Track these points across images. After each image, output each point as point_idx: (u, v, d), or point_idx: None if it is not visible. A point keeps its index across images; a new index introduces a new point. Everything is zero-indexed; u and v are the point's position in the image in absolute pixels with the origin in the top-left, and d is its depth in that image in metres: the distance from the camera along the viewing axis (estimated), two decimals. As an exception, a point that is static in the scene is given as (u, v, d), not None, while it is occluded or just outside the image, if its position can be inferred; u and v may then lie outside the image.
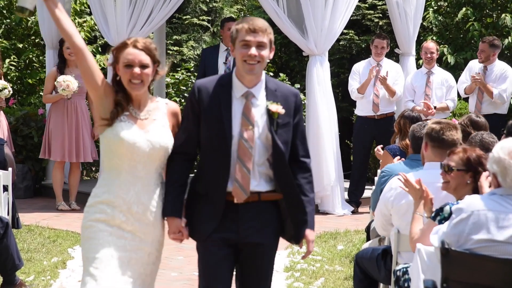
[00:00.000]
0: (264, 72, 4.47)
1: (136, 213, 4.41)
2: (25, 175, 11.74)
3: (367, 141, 10.89)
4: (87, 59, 4.41)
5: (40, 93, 12.73)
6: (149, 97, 4.52)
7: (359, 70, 11.04)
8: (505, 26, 13.54)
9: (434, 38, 13.61)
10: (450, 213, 4.59)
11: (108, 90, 4.45)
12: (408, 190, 5.12)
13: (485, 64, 10.63)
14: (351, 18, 11.69)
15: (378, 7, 15.00)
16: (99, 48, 15.15)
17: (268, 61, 4.52)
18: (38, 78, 14.05)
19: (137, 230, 4.41)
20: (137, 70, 4.39)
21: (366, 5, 15.08)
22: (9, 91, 10.36)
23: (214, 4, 17.61)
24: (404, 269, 5.17)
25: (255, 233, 4.42)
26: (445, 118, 8.48)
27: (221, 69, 11.04)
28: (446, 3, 14.56)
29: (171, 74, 15.26)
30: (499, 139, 6.26)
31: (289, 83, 14.27)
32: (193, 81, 14.60)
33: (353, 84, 10.99)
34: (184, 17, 17.06)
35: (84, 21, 14.37)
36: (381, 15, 14.92)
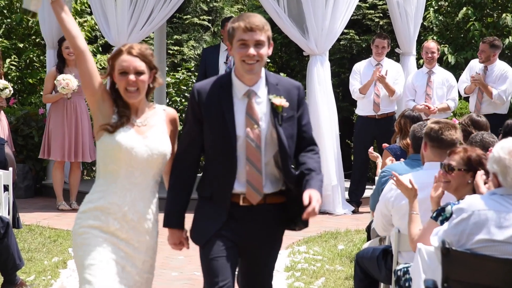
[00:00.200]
0: (263, 68, 4.39)
1: (131, 221, 4.33)
2: (26, 174, 11.75)
3: (367, 141, 10.89)
4: (87, 62, 4.35)
5: (41, 93, 12.72)
6: (146, 104, 4.44)
7: (360, 70, 11.05)
8: (506, 26, 13.54)
9: (435, 37, 13.61)
10: (452, 213, 4.59)
11: (106, 95, 4.38)
12: (401, 190, 5.14)
13: (485, 64, 10.63)
14: (352, 17, 11.69)
15: (379, 6, 15.00)
16: (100, 48, 15.16)
17: (268, 58, 4.43)
18: (38, 77, 14.05)
19: (131, 238, 4.34)
20: (132, 77, 4.31)
21: (367, 5, 15.08)
22: (9, 90, 10.36)
23: (215, 3, 17.61)
24: (405, 269, 5.17)
25: (259, 235, 4.39)
26: (446, 118, 8.49)
27: (222, 69, 11.04)
28: (446, 3, 14.56)
29: (171, 74, 15.27)
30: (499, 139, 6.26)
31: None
32: (194, 81, 14.60)
33: (354, 83, 11.00)
34: (185, 16, 17.07)
35: (85, 21, 14.37)
36: (381, 14, 14.92)
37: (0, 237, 6.87)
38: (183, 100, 14.56)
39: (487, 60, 10.59)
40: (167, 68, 14.93)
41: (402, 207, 5.37)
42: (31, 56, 14.09)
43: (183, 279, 7.47)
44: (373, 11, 15.07)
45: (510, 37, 13.39)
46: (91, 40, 14.88)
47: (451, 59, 13.53)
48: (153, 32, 12.82)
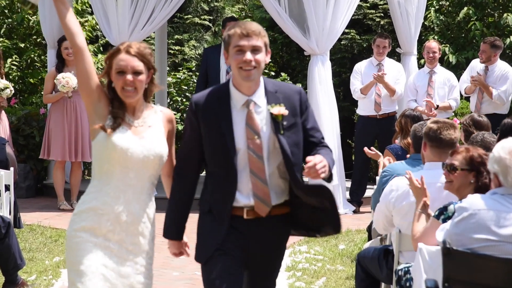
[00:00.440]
0: (262, 77, 4.27)
1: (125, 223, 4.25)
2: (27, 174, 11.76)
3: (369, 141, 10.88)
4: (85, 61, 4.28)
5: (42, 93, 12.72)
6: (144, 104, 4.36)
7: (361, 70, 11.05)
8: (507, 26, 13.54)
9: (436, 37, 13.61)
10: (454, 212, 4.59)
11: (102, 95, 4.29)
12: (411, 188, 5.13)
13: (486, 64, 10.62)
14: (353, 17, 11.69)
15: (380, 6, 15.00)
16: (101, 48, 15.16)
17: (266, 64, 4.28)
18: (39, 77, 14.06)
19: (124, 240, 4.26)
20: (129, 77, 4.22)
21: (368, 5, 15.08)
22: (10, 90, 10.36)
23: (216, 3, 17.63)
24: (406, 269, 5.17)
25: (264, 248, 4.32)
26: (447, 118, 8.49)
27: (223, 69, 11.04)
28: (447, 3, 14.56)
29: (172, 73, 15.28)
30: (500, 138, 6.26)
31: (291, 82, 14.26)
32: (195, 80, 14.62)
33: (355, 83, 11.00)
34: (186, 16, 17.08)
35: (86, 21, 14.37)
36: (382, 14, 14.92)
37: (1, 237, 6.88)
38: (184, 100, 14.57)
39: (488, 60, 10.58)
40: (168, 68, 14.94)
41: (402, 208, 5.36)
42: (32, 56, 14.11)
43: (184, 279, 7.47)
44: (374, 11, 15.07)
45: (511, 36, 13.39)
46: (92, 40, 14.88)
47: (452, 59, 13.53)
48: (154, 32, 12.82)
